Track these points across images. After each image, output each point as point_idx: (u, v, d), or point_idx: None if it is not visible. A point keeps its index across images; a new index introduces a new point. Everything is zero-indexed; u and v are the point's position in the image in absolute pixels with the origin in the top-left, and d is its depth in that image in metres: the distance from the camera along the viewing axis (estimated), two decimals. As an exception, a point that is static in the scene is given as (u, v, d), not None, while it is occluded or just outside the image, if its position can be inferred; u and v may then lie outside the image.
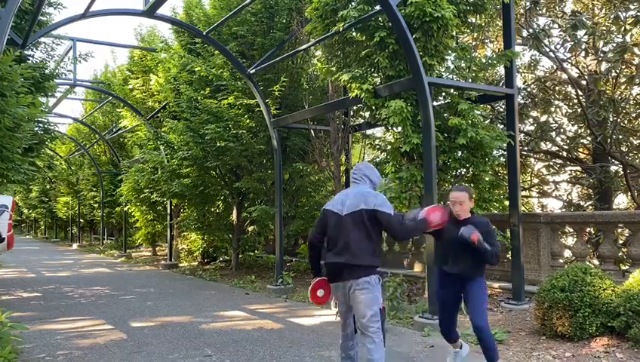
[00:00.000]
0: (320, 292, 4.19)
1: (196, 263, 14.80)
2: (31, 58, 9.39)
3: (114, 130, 20.38)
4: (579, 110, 11.69)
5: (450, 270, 4.41)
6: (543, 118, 12.40)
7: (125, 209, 17.92)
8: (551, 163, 13.28)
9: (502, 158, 8.09)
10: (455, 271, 4.37)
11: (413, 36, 6.79)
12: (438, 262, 4.60)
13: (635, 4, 9.73)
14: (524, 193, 13.49)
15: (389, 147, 7.80)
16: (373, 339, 3.87)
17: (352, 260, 3.92)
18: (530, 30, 11.05)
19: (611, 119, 11.00)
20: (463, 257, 4.25)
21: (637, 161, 11.79)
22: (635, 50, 10.86)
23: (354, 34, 7.93)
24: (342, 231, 3.97)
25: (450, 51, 7.50)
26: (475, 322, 4.25)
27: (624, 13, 9.96)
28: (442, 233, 4.39)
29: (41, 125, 9.08)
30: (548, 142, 12.25)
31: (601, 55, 11.24)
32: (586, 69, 12.13)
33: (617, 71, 10.71)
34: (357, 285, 3.91)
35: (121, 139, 20.20)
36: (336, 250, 3.99)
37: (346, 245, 3.94)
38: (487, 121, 10.13)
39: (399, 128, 7.39)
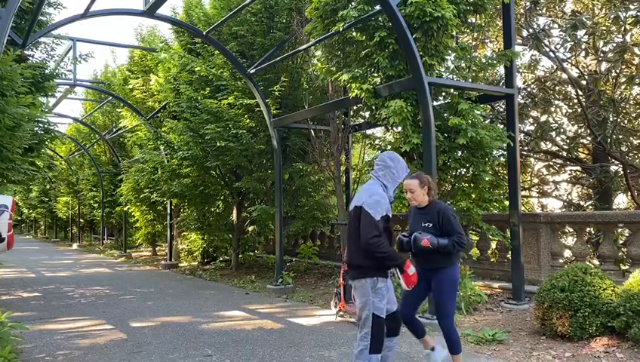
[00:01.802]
0: None
1: (196, 263, 14.80)
2: (31, 58, 9.40)
3: (114, 130, 20.38)
4: (579, 110, 11.69)
5: (418, 263, 4.36)
6: (543, 118, 12.40)
7: (125, 209, 17.91)
8: (551, 163, 13.28)
9: (502, 158, 8.10)
10: (422, 264, 4.34)
11: (413, 36, 6.79)
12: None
13: (635, 4, 9.73)
14: (524, 193, 13.49)
15: (389, 147, 7.80)
16: (358, 344, 3.86)
17: (349, 259, 3.92)
18: (530, 30, 11.06)
19: (611, 119, 11.00)
20: (424, 250, 4.21)
21: (637, 160, 11.78)
22: (635, 50, 10.86)
23: (354, 34, 7.93)
24: (348, 229, 4.01)
25: (450, 51, 7.50)
26: (437, 319, 4.31)
27: (624, 13, 9.95)
28: (410, 227, 4.43)
29: (41, 125, 9.08)
30: (548, 142, 12.25)
31: (601, 55, 11.24)
32: (586, 69, 12.13)
33: (617, 71, 10.71)
34: (353, 287, 3.93)
35: (121, 139, 20.20)
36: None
37: (347, 244, 3.98)
38: (487, 121, 10.12)
39: (399, 128, 7.39)
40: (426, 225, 4.25)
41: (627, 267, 7.74)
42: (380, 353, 3.91)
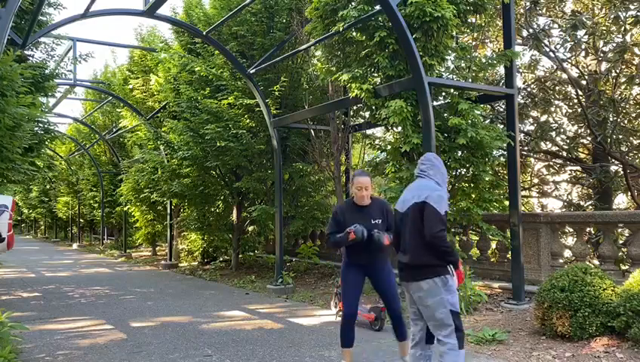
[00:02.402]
0: None
1: (196, 263, 14.80)
2: (31, 58, 9.40)
3: (114, 130, 20.38)
4: (579, 110, 11.69)
5: (359, 260, 4.47)
6: (543, 118, 12.39)
7: (125, 209, 17.92)
8: (551, 163, 13.28)
9: (502, 158, 8.09)
10: (364, 261, 4.46)
11: (413, 36, 6.79)
12: (351, 255, 4.53)
13: (635, 4, 9.73)
14: (524, 193, 13.48)
15: (389, 147, 7.80)
16: (445, 345, 3.67)
17: (412, 260, 3.76)
18: (530, 30, 11.06)
19: (611, 119, 11.00)
20: (369, 246, 4.36)
21: (637, 160, 11.78)
22: (635, 50, 10.86)
23: (354, 34, 7.93)
24: (404, 228, 3.85)
25: (450, 51, 7.50)
26: (394, 305, 4.50)
27: (624, 13, 9.95)
28: (348, 225, 4.38)
29: (41, 125, 9.09)
30: (548, 142, 12.25)
31: (601, 55, 11.24)
32: (586, 69, 12.13)
33: (617, 71, 10.70)
34: (419, 288, 3.73)
35: (121, 139, 20.22)
36: (402, 248, 3.91)
37: (407, 244, 3.81)
38: (487, 121, 10.13)
39: (399, 128, 7.39)
40: (376, 221, 4.37)
41: (627, 267, 7.74)
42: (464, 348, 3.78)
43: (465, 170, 7.66)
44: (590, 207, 12.27)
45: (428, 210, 3.64)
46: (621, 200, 14.18)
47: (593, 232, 10.56)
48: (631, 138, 11.82)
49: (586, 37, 10.70)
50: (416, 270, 3.74)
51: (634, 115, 12.02)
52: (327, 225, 4.60)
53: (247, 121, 10.99)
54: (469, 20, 8.20)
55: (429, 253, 3.67)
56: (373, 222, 4.36)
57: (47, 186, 32.25)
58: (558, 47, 11.41)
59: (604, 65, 11.36)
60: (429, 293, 3.69)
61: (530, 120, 12.36)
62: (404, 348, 4.50)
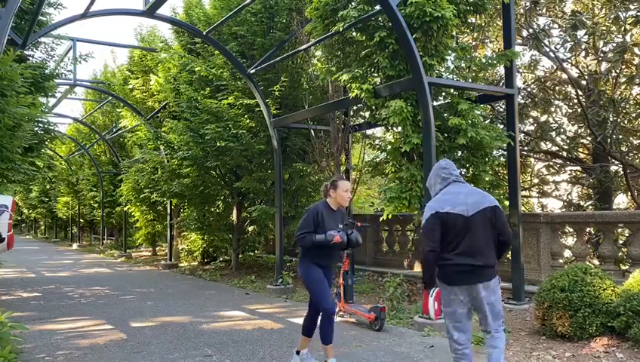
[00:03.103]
0: (436, 305, 4.12)
1: (196, 263, 14.80)
2: (31, 58, 9.39)
3: (114, 130, 20.38)
4: (579, 110, 11.70)
5: (327, 261, 4.83)
6: (543, 118, 12.40)
7: (125, 209, 17.91)
8: (551, 163, 13.29)
9: (502, 158, 8.09)
10: (330, 261, 4.88)
11: (413, 36, 6.79)
12: (319, 256, 4.80)
13: (635, 4, 9.74)
14: (524, 193, 13.49)
15: (389, 147, 7.80)
16: (501, 336, 3.88)
17: (486, 261, 3.80)
18: (530, 30, 11.06)
19: (611, 119, 11.00)
20: (336, 248, 4.79)
21: (637, 160, 11.79)
22: (635, 50, 10.87)
23: (354, 34, 7.93)
24: (470, 232, 3.78)
25: (450, 51, 7.51)
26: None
27: (624, 13, 9.96)
28: (326, 226, 4.67)
29: (41, 125, 9.07)
30: (548, 142, 12.26)
31: (601, 55, 11.24)
32: (586, 69, 12.13)
33: (617, 71, 10.71)
34: (488, 286, 3.82)
35: (121, 139, 20.20)
36: (461, 250, 3.78)
37: (478, 246, 3.78)
38: (487, 121, 10.12)
39: (399, 128, 7.39)
40: (341, 226, 4.81)
41: (627, 267, 7.75)
42: None
43: (465, 170, 7.66)
44: (590, 207, 12.27)
45: (502, 214, 3.88)
46: (621, 200, 14.18)
47: (593, 232, 10.56)
48: (631, 138, 11.83)
49: (586, 37, 10.71)
50: (489, 270, 3.86)
51: (634, 115, 12.02)
52: (303, 222, 4.79)
53: (247, 121, 10.99)
54: (469, 20, 8.21)
55: (495, 254, 3.91)
56: (340, 226, 4.79)
57: (47, 186, 32.21)
58: (558, 47, 11.43)
59: (604, 65, 11.36)
60: (494, 290, 3.87)
61: (530, 120, 12.37)
62: (330, 352, 4.95)
